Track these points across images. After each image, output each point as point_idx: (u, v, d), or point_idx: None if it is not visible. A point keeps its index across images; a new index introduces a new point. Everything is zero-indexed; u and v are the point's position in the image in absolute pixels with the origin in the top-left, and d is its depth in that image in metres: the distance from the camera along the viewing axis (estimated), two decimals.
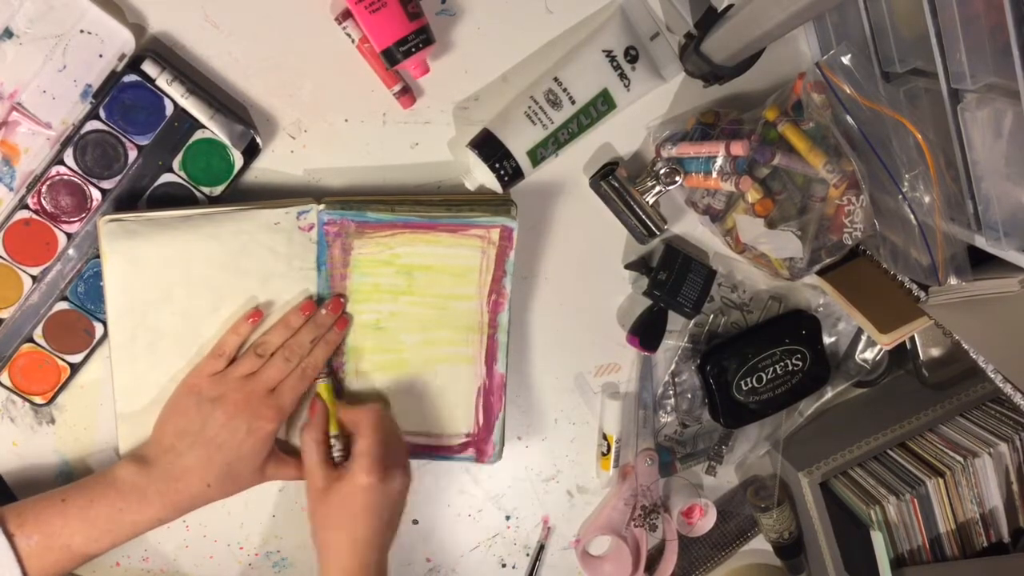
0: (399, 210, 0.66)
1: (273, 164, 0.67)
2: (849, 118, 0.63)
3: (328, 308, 0.67)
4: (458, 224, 0.67)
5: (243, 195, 0.67)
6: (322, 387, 0.67)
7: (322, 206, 0.65)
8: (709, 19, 0.65)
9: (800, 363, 0.80)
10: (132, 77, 0.61)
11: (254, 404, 0.63)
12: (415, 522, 0.81)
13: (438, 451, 0.73)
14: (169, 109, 0.62)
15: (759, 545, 0.92)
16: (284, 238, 0.65)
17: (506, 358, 0.72)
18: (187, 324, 0.65)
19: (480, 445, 0.73)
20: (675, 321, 0.78)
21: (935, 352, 0.83)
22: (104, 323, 0.66)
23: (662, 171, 0.70)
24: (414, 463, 0.70)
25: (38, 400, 0.67)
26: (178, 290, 0.64)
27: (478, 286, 0.69)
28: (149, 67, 0.61)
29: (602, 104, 0.68)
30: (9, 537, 0.58)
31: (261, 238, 0.64)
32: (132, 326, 0.64)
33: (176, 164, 0.64)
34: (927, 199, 0.61)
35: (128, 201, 0.64)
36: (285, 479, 0.69)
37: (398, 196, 0.69)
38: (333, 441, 0.67)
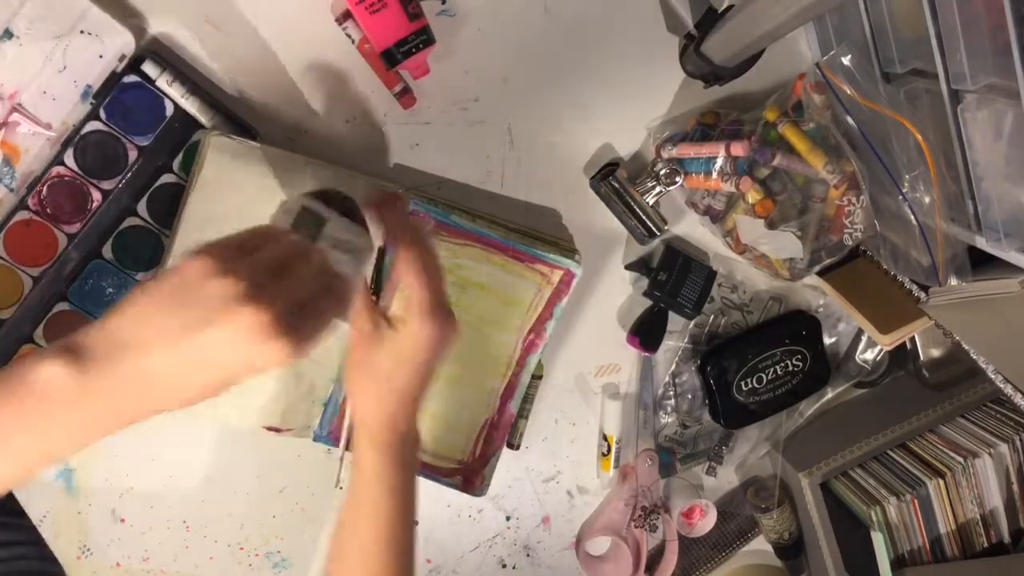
0: (479, 223, 0.66)
1: None
2: (849, 119, 0.63)
3: None
4: (528, 253, 0.68)
5: None
6: None
7: (411, 194, 0.64)
8: (709, 19, 0.65)
9: (800, 364, 0.80)
10: (132, 78, 0.61)
11: None
12: (415, 522, 0.80)
13: (427, 469, 0.72)
14: (169, 110, 0.62)
15: (759, 546, 0.92)
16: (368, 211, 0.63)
17: (521, 400, 0.71)
18: None
19: (470, 475, 0.73)
20: (675, 322, 0.78)
21: (935, 353, 0.83)
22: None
23: (662, 172, 0.70)
24: None
25: None
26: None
27: (522, 320, 0.70)
28: (149, 68, 0.61)
29: None
30: None
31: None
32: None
33: (176, 165, 0.64)
34: (927, 199, 0.61)
35: (127, 202, 0.64)
36: None
37: (480, 212, 0.69)
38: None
